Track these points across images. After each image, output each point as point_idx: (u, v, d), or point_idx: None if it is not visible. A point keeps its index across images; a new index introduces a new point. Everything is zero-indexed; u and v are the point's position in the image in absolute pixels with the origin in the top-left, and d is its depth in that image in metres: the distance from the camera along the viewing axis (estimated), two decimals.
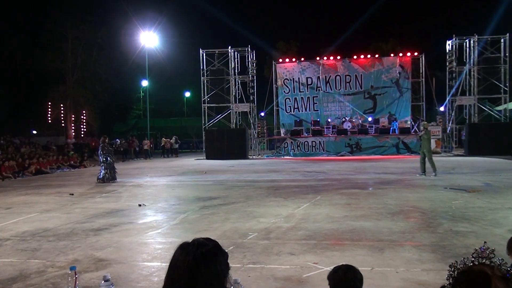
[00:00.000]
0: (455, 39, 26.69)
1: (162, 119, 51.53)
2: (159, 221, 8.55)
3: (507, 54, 25.79)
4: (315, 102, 29.50)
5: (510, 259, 2.96)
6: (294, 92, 29.71)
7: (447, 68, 27.43)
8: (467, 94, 26.79)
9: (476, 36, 26.10)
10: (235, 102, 29.21)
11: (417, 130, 26.68)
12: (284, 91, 29.88)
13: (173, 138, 33.12)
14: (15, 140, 28.22)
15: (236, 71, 29.33)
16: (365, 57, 29.11)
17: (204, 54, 29.23)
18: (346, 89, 29.00)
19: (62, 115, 37.39)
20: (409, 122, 28.15)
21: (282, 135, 29.70)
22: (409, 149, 26.16)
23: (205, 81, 29.34)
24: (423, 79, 28.61)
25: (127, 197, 11.96)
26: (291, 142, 27.82)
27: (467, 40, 26.60)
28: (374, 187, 12.58)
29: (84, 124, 39.43)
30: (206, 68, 29.33)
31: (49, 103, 37.13)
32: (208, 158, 27.32)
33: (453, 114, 27.20)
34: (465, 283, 1.65)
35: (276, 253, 6.03)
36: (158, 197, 11.82)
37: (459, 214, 8.34)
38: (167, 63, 44.99)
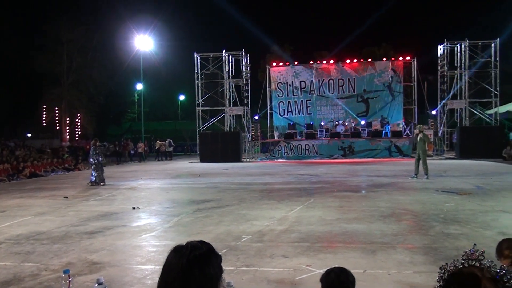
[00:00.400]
0: (447, 44, 26.90)
1: (156, 122, 51.34)
2: (153, 224, 8.57)
3: (497, 59, 26.04)
4: (308, 105, 29.64)
5: (499, 262, 3.04)
6: (287, 95, 29.83)
7: (439, 72, 27.63)
8: (458, 98, 27.00)
9: (467, 41, 26.33)
10: (229, 105, 29.25)
11: (409, 134, 26.85)
12: (277, 95, 30.00)
13: (167, 141, 33.08)
14: (10, 143, 28.06)
15: (230, 74, 29.39)
16: (358, 61, 29.32)
17: (199, 57, 29.25)
18: (339, 92, 29.16)
19: (57, 117, 37.26)
20: (401, 126, 28.37)
21: (275, 138, 29.78)
22: (401, 152, 26.33)
23: (199, 84, 29.36)
24: (415, 83, 28.81)
25: (121, 200, 11.96)
26: (285, 145, 27.90)
27: (458, 45, 26.82)
28: (366, 190, 12.67)
29: (79, 127, 39.30)
30: (200, 71, 29.34)
31: (44, 106, 37.00)
32: (202, 161, 27.32)
33: (444, 118, 27.39)
34: (455, 284, 1.67)
35: (270, 255, 6.08)
36: (152, 200, 11.82)
37: (451, 216, 8.43)
38: (161, 66, 44.97)
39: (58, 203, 11.68)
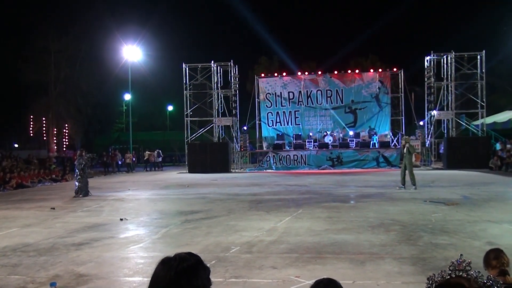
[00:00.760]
0: (433, 56, 27.24)
1: (144, 133, 51.15)
2: (141, 235, 8.50)
3: (483, 70, 26.42)
4: (296, 116, 29.75)
5: (487, 273, 3.06)
6: (276, 106, 29.92)
7: (425, 84, 27.94)
8: (445, 109, 27.31)
9: (453, 53, 26.71)
10: (218, 116, 29.24)
11: (397, 144, 27.05)
12: (266, 105, 30.08)
13: (156, 151, 32.96)
14: None
15: (219, 85, 29.43)
16: (346, 72, 29.58)
17: (187, 68, 29.27)
18: (327, 103, 29.34)
19: (44, 128, 36.89)
20: (388, 136, 28.58)
21: (264, 148, 29.79)
22: (389, 162, 26.49)
23: (188, 95, 29.34)
24: (402, 94, 29.09)
25: (108, 211, 11.86)
26: (273, 155, 27.92)
27: (444, 56, 27.19)
28: (355, 201, 12.72)
29: (66, 137, 38.96)
30: (189, 82, 29.33)
31: (31, 116, 36.64)
32: (190, 171, 27.22)
33: (431, 129, 27.66)
34: None
35: (259, 267, 6.06)
36: (140, 211, 11.74)
37: (439, 226, 8.49)
38: (150, 77, 44.90)
39: (45, 214, 11.55)
